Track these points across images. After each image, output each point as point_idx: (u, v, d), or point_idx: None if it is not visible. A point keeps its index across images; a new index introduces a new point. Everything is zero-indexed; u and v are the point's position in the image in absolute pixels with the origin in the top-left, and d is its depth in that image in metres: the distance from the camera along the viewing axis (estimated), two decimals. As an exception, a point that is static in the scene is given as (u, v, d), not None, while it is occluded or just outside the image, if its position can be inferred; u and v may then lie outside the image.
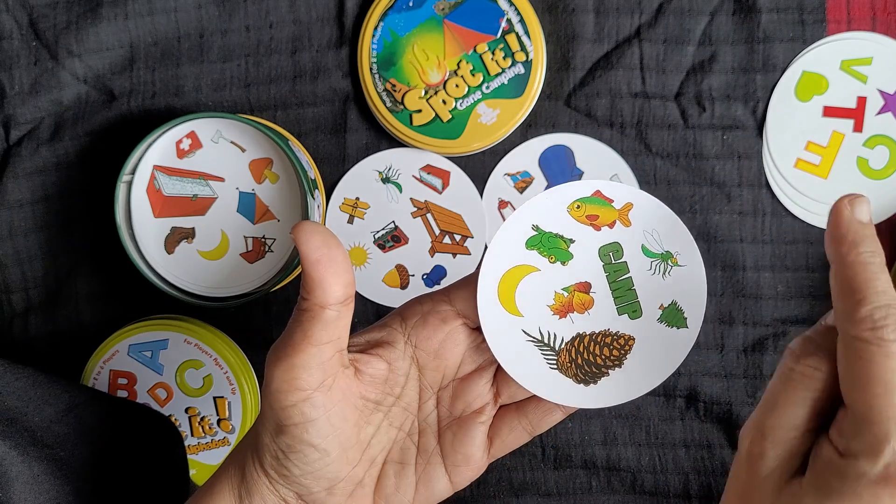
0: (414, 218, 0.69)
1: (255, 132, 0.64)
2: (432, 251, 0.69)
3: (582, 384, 0.48)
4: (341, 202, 0.69)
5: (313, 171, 0.68)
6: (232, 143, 0.65)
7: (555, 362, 0.48)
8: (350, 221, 0.69)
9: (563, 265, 0.48)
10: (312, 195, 0.64)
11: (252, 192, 0.65)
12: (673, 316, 0.49)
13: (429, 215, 0.69)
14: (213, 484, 0.47)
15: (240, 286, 0.66)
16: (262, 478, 0.46)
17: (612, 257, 0.48)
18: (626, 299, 0.49)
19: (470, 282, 0.48)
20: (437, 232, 0.69)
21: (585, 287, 0.48)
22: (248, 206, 0.65)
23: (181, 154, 0.65)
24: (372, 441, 0.48)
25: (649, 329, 0.48)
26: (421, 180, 0.69)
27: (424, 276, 0.69)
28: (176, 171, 0.65)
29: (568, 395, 0.47)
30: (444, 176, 0.68)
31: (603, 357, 0.48)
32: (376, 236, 0.69)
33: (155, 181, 0.65)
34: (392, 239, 0.69)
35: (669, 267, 0.49)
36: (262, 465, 0.46)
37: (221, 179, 0.65)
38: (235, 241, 0.66)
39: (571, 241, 0.48)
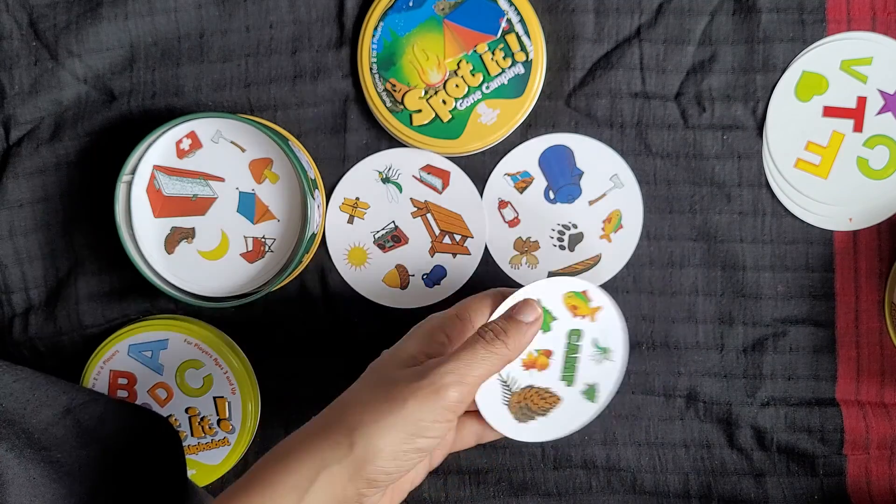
0: (414, 218, 0.69)
1: (256, 132, 0.64)
2: (432, 251, 0.69)
3: (516, 421, 0.62)
4: (341, 202, 0.69)
5: (313, 171, 0.68)
6: (232, 143, 0.65)
7: (507, 399, 0.62)
8: (350, 221, 0.69)
9: (542, 333, 0.61)
10: (312, 195, 0.64)
11: (252, 192, 0.65)
12: (591, 392, 0.64)
13: (429, 215, 0.69)
14: (264, 478, 0.50)
15: (240, 286, 0.66)
16: (341, 484, 0.49)
17: (573, 339, 0.62)
18: (569, 371, 0.63)
19: (485, 300, 0.59)
20: (438, 232, 0.69)
21: (548, 353, 0.62)
22: (248, 206, 0.65)
23: (181, 154, 0.65)
24: None
25: (573, 396, 0.64)
26: (421, 180, 0.68)
27: (424, 276, 0.69)
28: (176, 171, 0.65)
29: (503, 425, 0.61)
30: (444, 176, 0.68)
31: (536, 406, 0.63)
32: (376, 236, 0.69)
33: (155, 181, 0.65)
34: (392, 239, 0.69)
35: (603, 360, 0.64)
36: (357, 475, 0.49)
37: (221, 179, 0.65)
38: (235, 241, 0.66)
39: (555, 318, 0.61)
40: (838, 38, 0.67)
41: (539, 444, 0.70)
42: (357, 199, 0.69)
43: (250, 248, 0.66)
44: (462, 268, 0.69)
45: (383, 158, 0.68)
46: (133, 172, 0.65)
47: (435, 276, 0.69)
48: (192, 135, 0.65)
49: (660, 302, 0.69)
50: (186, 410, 0.69)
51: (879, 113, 0.67)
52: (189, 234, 0.66)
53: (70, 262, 0.70)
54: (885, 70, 0.67)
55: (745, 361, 0.69)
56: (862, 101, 0.67)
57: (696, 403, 0.70)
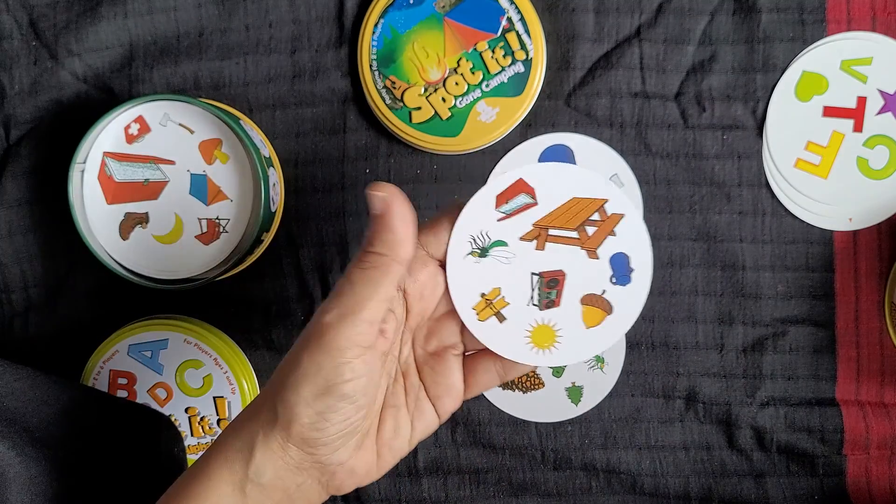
0: (539, 249, 0.49)
1: (204, 113, 0.64)
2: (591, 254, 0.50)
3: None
4: (476, 302, 0.50)
5: (268, 149, 0.67)
6: (180, 125, 0.65)
7: None
8: (500, 321, 0.51)
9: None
10: (266, 173, 0.64)
11: (203, 173, 0.65)
12: (575, 394, 0.69)
13: (550, 230, 0.49)
14: (206, 471, 0.47)
15: (197, 268, 0.66)
16: (279, 450, 0.46)
17: None
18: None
19: (437, 227, 0.49)
20: (577, 234, 0.49)
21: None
22: (201, 188, 0.65)
23: (130, 139, 0.65)
24: (377, 392, 0.49)
25: (556, 389, 0.69)
26: (508, 214, 0.49)
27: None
28: (126, 157, 0.65)
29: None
30: (520, 186, 0.49)
31: (518, 380, 0.69)
32: (536, 301, 0.51)
33: (106, 168, 0.65)
34: (549, 285, 0.50)
35: (598, 368, 0.68)
36: (287, 435, 0.46)
37: (172, 162, 0.65)
38: (189, 224, 0.66)
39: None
40: (838, 38, 0.67)
41: (528, 434, 0.71)
42: (485, 295, 0.50)
43: (205, 230, 0.66)
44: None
45: (462, 234, 0.49)
46: (84, 161, 0.65)
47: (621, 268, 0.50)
48: (139, 119, 0.65)
49: (659, 302, 0.69)
50: (186, 410, 0.69)
51: (879, 113, 0.67)
52: (143, 219, 0.65)
53: (70, 262, 0.70)
54: (885, 70, 0.67)
55: (744, 361, 0.69)
56: (862, 101, 0.67)
57: (696, 404, 0.69)
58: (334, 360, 0.45)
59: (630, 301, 0.49)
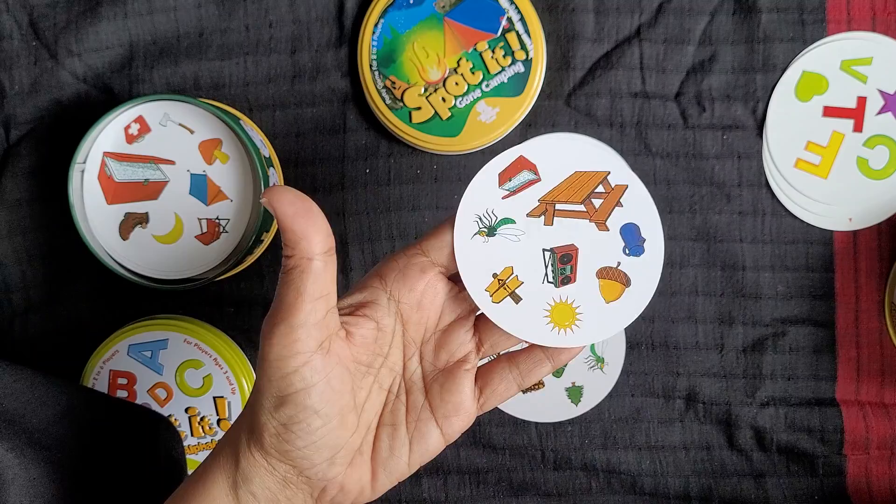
0: (547, 225, 0.48)
1: (204, 113, 0.64)
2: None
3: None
4: (488, 283, 0.49)
5: (268, 149, 0.67)
6: (180, 125, 0.65)
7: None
8: (516, 301, 0.49)
9: None
10: (266, 173, 0.64)
11: (203, 173, 0.65)
12: (574, 393, 0.69)
13: (557, 205, 0.49)
14: (204, 475, 0.47)
15: (198, 268, 0.66)
16: (261, 460, 0.46)
17: None
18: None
19: (440, 231, 0.48)
20: (583, 207, 0.49)
21: None
22: (201, 188, 0.65)
23: (130, 139, 0.65)
24: (365, 406, 0.48)
25: (557, 390, 0.69)
26: (514, 192, 0.49)
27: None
28: (126, 157, 0.65)
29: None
30: (520, 163, 0.49)
31: None
32: (550, 278, 0.50)
33: (106, 168, 0.65)
34: (563, 260, 0.49)
35: (598, 368, 0.68)
36: (261, 446, 0.45)
37: (172, 162, 0.65)
38: (189, 224, 0.66)
39: None
40: (838, 38, 0.67)
41: (528, 434, 0.71)
42: (497, 276, 0.49)
43: (205, 230, 0.66)
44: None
45: (468, 214, 0.48)
46: (84, 160, 0.65)
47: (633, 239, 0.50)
48: (139, 119, 0.65)
49: (659, 302, 0.69)
50: (186, 410, 0.69)
51: (879, 113, 0.67)
52: (143, 219, 0.66)
53: (70, 262, 0.70)
54: (885, 70, 0.67)
55: (744, 361, 0.69)
56: (862, 101, 0.67)
57: (696, 404, 0.69)
58: (279, 370, 0.44)
59: (647, 272, 0.48)
